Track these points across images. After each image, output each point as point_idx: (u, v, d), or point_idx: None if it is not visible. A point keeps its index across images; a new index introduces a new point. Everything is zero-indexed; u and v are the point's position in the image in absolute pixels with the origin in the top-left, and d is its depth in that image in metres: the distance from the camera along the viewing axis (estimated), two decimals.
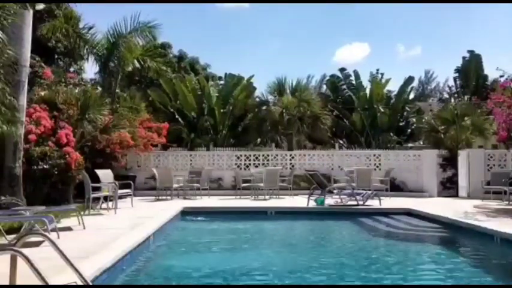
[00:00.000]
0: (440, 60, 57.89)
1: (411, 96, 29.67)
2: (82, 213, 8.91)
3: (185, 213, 11.27)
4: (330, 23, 56.03)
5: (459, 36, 56.19)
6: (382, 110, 25.70)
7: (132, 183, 12.34)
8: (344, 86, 28.73)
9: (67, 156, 11.17)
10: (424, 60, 60.86)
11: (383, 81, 27.51)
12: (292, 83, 22.95)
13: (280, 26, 56.32)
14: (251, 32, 58.59)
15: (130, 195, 12.11)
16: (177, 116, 24.07)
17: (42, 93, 12.95)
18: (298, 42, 58.95)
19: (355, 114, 25.65)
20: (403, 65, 58.59)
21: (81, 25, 16.86)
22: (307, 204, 12.13)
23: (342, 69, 29.15)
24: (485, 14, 52.47)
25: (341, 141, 26.34)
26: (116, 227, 8.33)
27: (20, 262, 3.24)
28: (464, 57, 31.24)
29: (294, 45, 59.90)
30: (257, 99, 24.67)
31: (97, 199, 11.08)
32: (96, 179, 11.13)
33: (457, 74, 32.65)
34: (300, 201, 13.05)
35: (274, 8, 52.10)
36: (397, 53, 59.26)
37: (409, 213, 11.20)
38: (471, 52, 30.51)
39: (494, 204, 12.58)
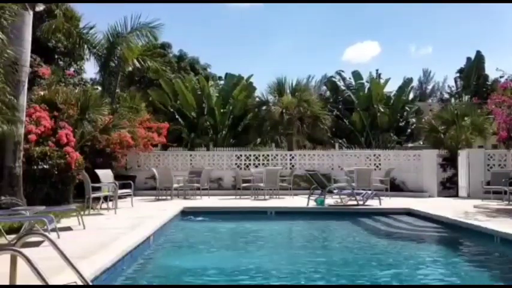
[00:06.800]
0: (449, 61, 58.19)
1: (411, 96, 29.67)
2: (82, 213, 8.92)
3: (185, 213, 11.28)
4: (340, 21, 56.24)
5: (469, 37, 56.43)
6: (382, 110, 25.72)
7: (132, 183, 12.34)
8: (343, 87, 28.79)
9: (67, 156, 11.16)
10: (434, 60, 61.07)
11: (382, 81, 27.52)
12: (292, 83, 22.96)
13: (285, 26, 56.53)
14: (255, 32, 58.78)
15: (130, 195, 12.11)
16: (177, 116, 24.09)
17: (42, 93, 12.95)
18: (305, 42, 59.15)
19: (355, 114, 25.66)
20: (413, 64, 58.83)
21: (81, 25, 16.91)
22: (307, 204, 12.13)
23: (341, 71, 29.24)
24: (497, 13, 52.53)
25: (341, 141, 26.34)
26: (116, 227, 8.32)
27: (20, 262, 3.24)
28: (468, 58, 31.18)
29: (301, 45, 60.09)
30: (257, 99, 24.66)
31: (97, 199, 11.08)
32: (96, 179, 11.12)
33: (458, 74, 32.65)
34: (300, 201, 13.05)
35: (284, 7, 52.18)
36: (409, 53, 59.56)
37: (409, 213, 11.20)
38: (477, 52, 30.44)
39: (494, 204, 12.57)
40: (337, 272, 6.29)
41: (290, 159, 17.52)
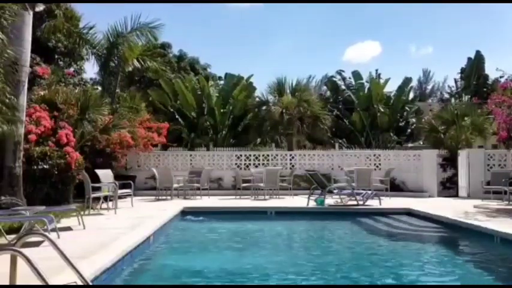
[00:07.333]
0: (450, 61, 58.21)
1: (410, 96, 29.68)
2: (82, 213, 8.92)
3: (185, 213, 11.28)
4: (340, 21, 56.22)
5: (469, 37, 56.49)
6: (382, 110, 25.72)
7: (132, 183, 12.33)
8: (343, 87, 28.81)
9: (67, 156, 11.16)
10: (435, 60, 61.05)
11: (382, 81, 27.52)
12: (292, 83, 22.97)
13: (285, 26, 56.49)
14: (255, 32, 58.72)
15: (130, 195, 12.11)
16: (177, 116, 24.09)
17: (42, 93, 12.95)
18: (305, 42, 59.10)
19: (355, 114, 25.67)
20: (413, 64, 58.84)
21: (81, 25, 16.93)
22: (307, 204, 12.13)
23: (342, 71, 29.25)
24: (497, 13, 52.53)
25: (341, 141, 26.34)
26: (116, 227, 8.33)
27: (20, 262, 3.24)
28: (469, 58, 31.19)
29: (301, 45, 60.06)
30: (257, 99, 24.66)
31: (97, 199, 11.08)
32: (96, 179, 11.12)
33: (460, 75, 32.62)
34: (300, 201, 13.05)
35: (284, 7, 52.13)
36: (409, 53, 59.61)
37: (409, 213, 11.21)
38: (477, 52, 30.45)
39: (494, 204, 12.57)
40: (337, 272, 6.29)
41: (290, 159, 17.52)
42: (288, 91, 22.70)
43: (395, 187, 15.62)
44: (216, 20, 56.09)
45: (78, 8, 18.86)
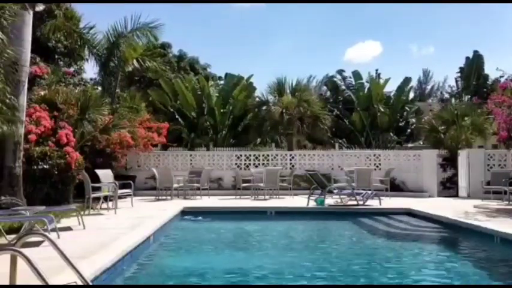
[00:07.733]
0: (451, 60, 58.20)
1: (411, 96, 29.68)
2: (82, 213, 8.92)
3: (185, 213, 11.28)
4: (341, 21, 56.18)
5: (470, 37, 56.51)
6: (382, 110, 25.72)
7: (132, 183, 12.33)
8: (343, 87, 28.82)
9: (67, 156, 11.16)
10: (436, 60, 60.99)
11: (382, 81, 27.52)
12: (292, 83, 22.97)
13: (285, 26, 56.46)
14: (255, 32, 58.69)
15: (130, 195, 12.11)
16: (177, 116, 24.09)
17: (42, 93, 12.95)
18: (305, 42, 59.06)
19: (355, 114, 25.67)
20: (415, 64, 58.82)
21: (81, 25, 16.93)
22: (307, 204, 12.13)
23: (342, 70, 29.23)
24: (497, 13, 52.55)
25: (341, 141, 26.35)
26: (116, 227, 8.33)
27: (20, 262, 3.24)
28: (467, 58, 31.19)
29: (301, 45, 60.03)
30: (257, 99, 24.67)
31: (97, 199, 11.08)
32: (96, 179, 11.12)
33: (459, 74, 32.63)
34: (300, 201, 13.05)
35: (284, 7, 52.10)
36: (411, 53, 59.59)
37: (409, 213, 11.21)
38: (475, 52, 30.47)
39: (494, 204, 12.57)
40: (336, 271, 6.29)
41: (290, 159, 17.52)
42: (288, 91, 22.71)
43: (395, 187, 15.63)
44: (216, 20, 56.09)
45: (78, 8, 18.92)
